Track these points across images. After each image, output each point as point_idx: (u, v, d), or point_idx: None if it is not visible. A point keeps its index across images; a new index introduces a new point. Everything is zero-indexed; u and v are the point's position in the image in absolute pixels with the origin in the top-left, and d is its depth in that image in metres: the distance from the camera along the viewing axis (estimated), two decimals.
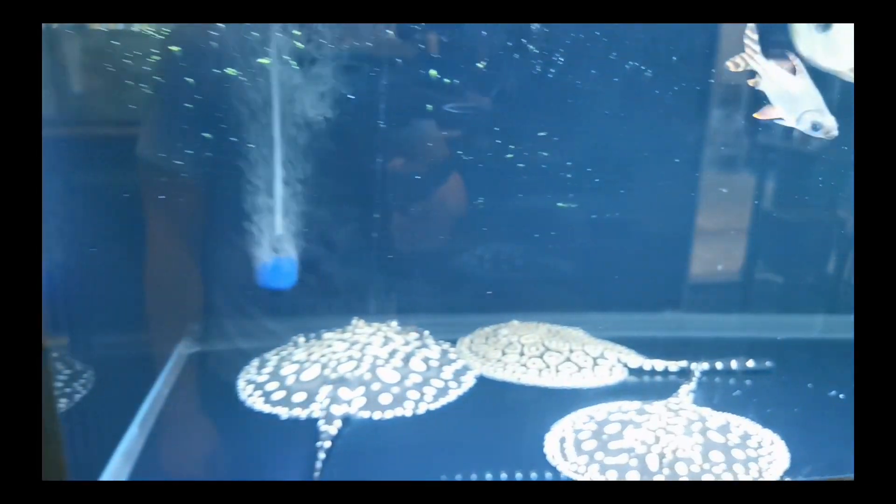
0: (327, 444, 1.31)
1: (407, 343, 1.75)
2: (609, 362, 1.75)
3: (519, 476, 1.25)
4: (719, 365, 1.75)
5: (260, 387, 1.58)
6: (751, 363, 1.76)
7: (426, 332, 1.93)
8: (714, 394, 1.62)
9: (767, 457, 1.28)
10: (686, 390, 1.56)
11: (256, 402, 1.52)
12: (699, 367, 1.70)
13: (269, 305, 1.98)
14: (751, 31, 1.29)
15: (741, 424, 1.40)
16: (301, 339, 1.87)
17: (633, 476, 1.20)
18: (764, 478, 1.20)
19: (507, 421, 1.50)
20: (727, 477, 1.20)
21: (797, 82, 1.30)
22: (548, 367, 1.72)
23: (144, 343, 1.72)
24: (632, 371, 1.75)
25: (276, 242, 1.66)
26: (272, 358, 1.74)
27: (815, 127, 1.27)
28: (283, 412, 1.48)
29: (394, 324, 1.86)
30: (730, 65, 1.35)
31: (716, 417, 1.40)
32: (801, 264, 2.22)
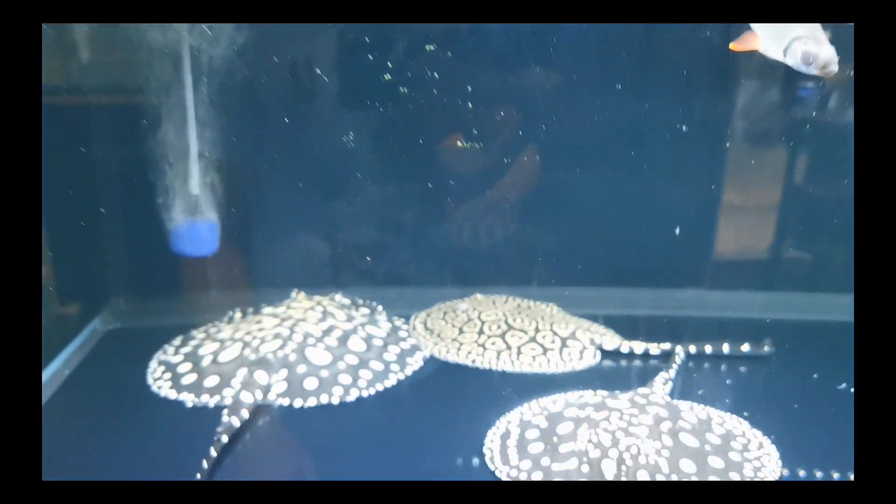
0: (224, 438, 1.10)
1: (349, 319, 1.54)
2: (580, 344, 1.52)
3: (444, 476, 1.04)
4: (709, 348, 1.51)
5: (171, 368, 1.38)
6: (746, 347, 1.51)
7: (378, 307, 1.72)
8: (699, 383, 1.39)
9: (753, 462, 1.05)
10: (662, 379, 1.32)
11: (163, 387, 1.32)
12: (681, 350, 1.47)
13: (209, 278, 1.80)
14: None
15: (725, 423, 1.17)
16: (238, 314, 1.67)
17: None
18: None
19: (447, 412, 1.27)
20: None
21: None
22: (508, 348, 1.50)
23: (54, 318, 1.52)
24: (608, 354, 1.52)
25: (192, 205, 1.45)
26: (198, 335, 1.54)
27: (807, 59, 1.01)
28: (190, 399, 1.27)
29: (338, 296, 1.65)
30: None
31: (693, 414, 1.16)
32: (830, 242, 1.94)
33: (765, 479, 1.00)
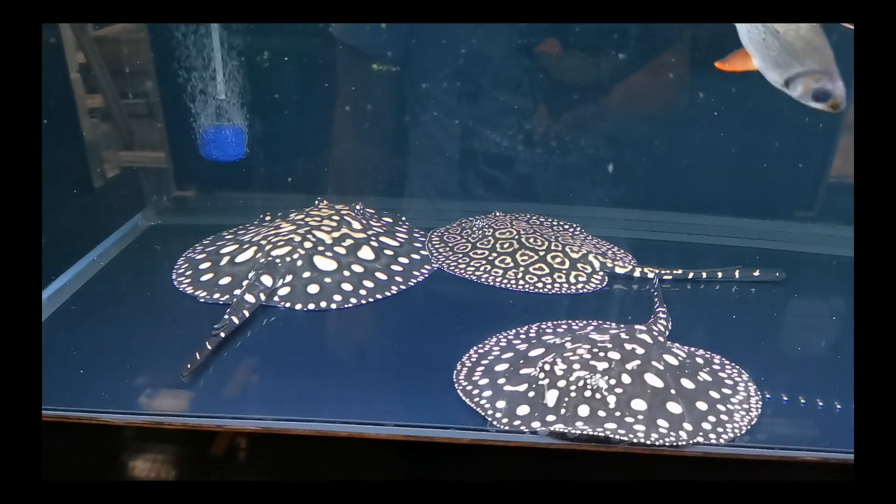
0: (222, 334, 1.18)
1: (366, 229, 1.59)
2: (590, 267, 1.51)
3: (407, 389, 1.08)
4: (720, 274, 1.46)
5: (193, 266, 1.48)
6: (757, 273, 1.46)
7: (402, 218, 1.75)
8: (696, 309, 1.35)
9: (721, 416, 0.98)
10: (662, 314, 1.28)
11: (182, 283, 1.43)
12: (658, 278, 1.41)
13: (247, 181, 1.88)
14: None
15: (721, 371, 1.11)
16: (268, 217, 1.75)
17: (523, 410, 0.98)
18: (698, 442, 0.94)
19: (440, 326, 1.30)
20: (636, 433, 0.93)
21: (800, 30, 0.91)
22: (516, 266, 1.51)
23: (101, 211, 1.66)
24: (618, 277, 1.50)
25: (219, 109, 1.50)
26: (227, 236, 1.64)
27: (820, 97, 0.89)
28: (203, 296, 1.38)
29: (359, 206, 1.69)
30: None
31: (679, 357, 1.10)
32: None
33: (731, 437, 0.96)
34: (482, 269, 1.49)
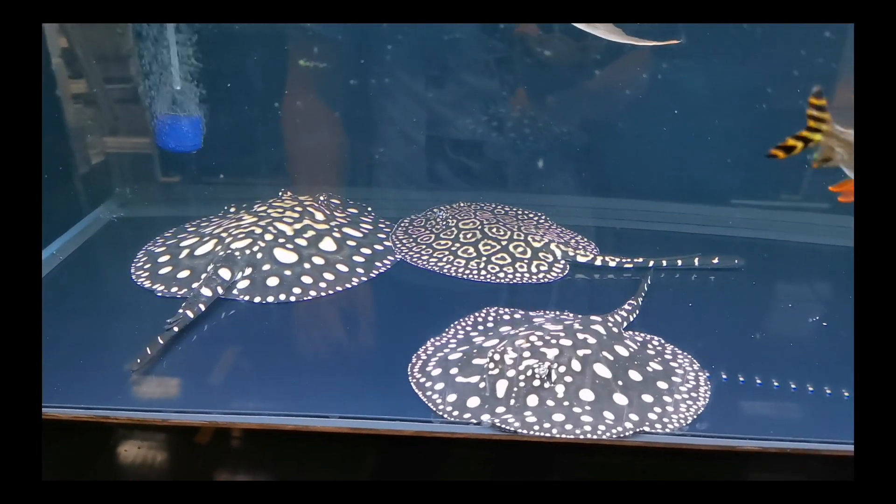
0: (175, 328, 1.17)
1: (328, 220, 1.58)
2: (551, 256, 1.51)
3: (362, 382, 1.09)
4: (679, 262, 1.47)
5: (153, 259, 1.47)
6: (716, 260, 1.47)
7: (368, 209, 1.75)
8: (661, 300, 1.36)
9: (667, 408, 0.99)
10: (629, 306, 1.28)
11: (140, 276, 1.42)
12: (648, 279, 1.40)
13: (211, 172, 1.86)
14: (816, 98, 0.89)
15: (672, 361, 1.11)
16: (232, 209, 1.74)
17: (473, 402, 0.98)
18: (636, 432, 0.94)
19: (400, 317, 1.31)
20: (584, 430, 0.93)
21: None
22: (479, 256, 1.51)
23: (61, 204, 1.64)
24: (580, 266, 1.50)
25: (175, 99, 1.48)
26: (189, 229, 1.63)
27: None
28: (161, 290, 1.37)
29: (323, 196, 1.68)
30: (779, 153, 0.90)
31: (629, 348, 1.11)
32: None
33: (643, 430, 0.95)
34: (445, 259, 1.49)
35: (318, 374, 1.12)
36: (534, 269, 1.46)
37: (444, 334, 1.20)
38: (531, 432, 0.93)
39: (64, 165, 1.66)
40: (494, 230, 1.56)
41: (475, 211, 1.67)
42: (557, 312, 1.28)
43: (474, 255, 1.50)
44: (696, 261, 1.47)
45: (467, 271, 1.45)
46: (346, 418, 0.95)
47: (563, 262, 1.49)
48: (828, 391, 1.07)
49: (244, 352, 1.19)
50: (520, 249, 1.51)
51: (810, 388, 1.08)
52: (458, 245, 1.53)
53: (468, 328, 1.21)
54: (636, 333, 1.21)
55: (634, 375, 1.05)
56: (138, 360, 1.09)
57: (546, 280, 1.44)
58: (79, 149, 1.69)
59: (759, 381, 1.09)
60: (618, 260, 1.48)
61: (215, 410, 0.99)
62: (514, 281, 1.43)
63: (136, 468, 1.06)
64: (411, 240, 1.58)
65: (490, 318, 1.25)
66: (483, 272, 1.45)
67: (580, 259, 1.50)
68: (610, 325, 1.18)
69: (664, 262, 1.46)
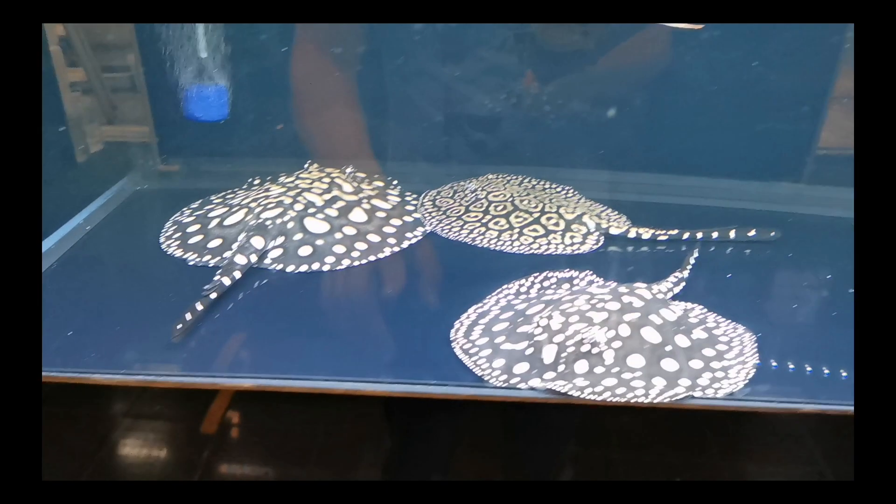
0: (213, 295, 1.17)
1: (356, 192, 1.57)
2: (584, 228, 1.50)
3: (403, 347, 1.08)
4: (716, 234, 1.45)
5: (182, 229, 1.46)
6: (753, 232, 1.46)
7: (393, 182, 1.74)
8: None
9: (716, 373, 0.98)
10: (674, 278, 1.26)
11: (171, 246, 1.40)
12: (696, 252, 1.39)
13: (237, 145, 1.85)
14: None
15: (717, 329, 1.09)
16: (256, 181, 1.72)
17: (521, 368, 0.97)
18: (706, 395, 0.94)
19: (431, 286, 1.30)
20: (636, 393, 0.92)
21: None
22: (510, 228, 1.49)
23: (85, 176, 1.62)
24: (613, 238, 1.49)
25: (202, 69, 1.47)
26: (215, 200, 1.61)
27: None
28: (193, 258, 1.36)
29: (349, 169, 1.66)
30: None
31: (677, 313, 1.09)
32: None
33: (701, 395, 0.94)
34: (476, 231, 1.48)
35: (360, 340, 1.11)
36: (567, 241, 1.45)
37: (485, 301, 1.19)
38: (582, 395, 0.92)
39: (84, 142, 1.64)
40: (525, 202, 1.55)
41: (504, 183, 1.66)
42: (600, 279, 1.27)
43: (506, 226, 1.48)
44: (732, 233, 1.46)
45: (500, 243, 1.44)
46: (397, 383, 0.94)
47: (596, 233, 1.48)
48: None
49: (283, 318, 1.18)
50: (552, 221, 1.49)
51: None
52: (489, 217, 1.52)
53: (510, 296, 1.20)
54: (677, 302, 1.20)
55: (682, 341, 1.04)
56: (178, 327, 1.08)
57: (580, 251, 1.43)
58: (101, 121, 1.67)
59: (803, 349, 1.08)
60: (652, 232, 1.46)
61: (265, 375, 0.97)
62: (549, 252, 1.42)
63: (182, 437, 1.05)
64: (440, 212, 1.56)
65: (533, 286, 1.24)
66: (516, 243, 1.44)
67: (613, 231, 1.48)
68: (654, 291, 1.17)
69: (699, 235, 1.45)
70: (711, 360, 1.02)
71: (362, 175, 1.68)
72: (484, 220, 1.51)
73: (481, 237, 1.46)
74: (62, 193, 1.54)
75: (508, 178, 1.71)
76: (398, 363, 1.03)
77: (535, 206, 1.53)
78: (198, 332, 1.11)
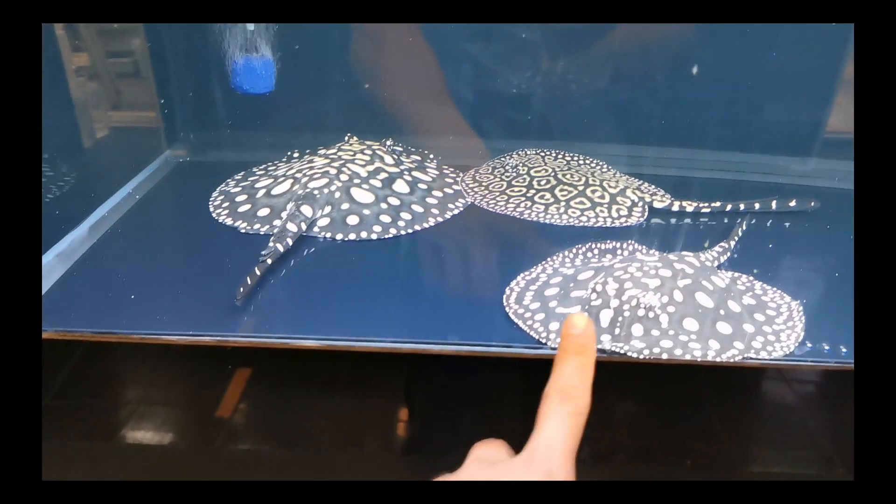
0: (269, 261, 1.20)
1: (397, 164, 1.59)
2: (629, 200, 1.51)
3: (458, 311, 1.10)
4: (758, 205, 1.47)
5: (230, 198, 1.49)
6: (793, 203, 1.47)
7: (430, 155, 1.76)
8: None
9: (768, 336, 1.01)
10: (720, 248, 1.28)
11: (221, 215, 1.43)
12: (743, 224, 1.40)
13: (280, 119, 1.86)
14: None
15: (764, 295, 1.12)
16: (296, 154, 1.75)
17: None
18: (752, 358, 0.96)
19: (479, 255, 1.32)
20: (692, 351, 0.94)
21: None
22: (557, 201, 1.50)
23: (127, 147, 1.65)
24: (656, 212, 1.50)
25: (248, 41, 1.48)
26: (257, 172, 1.64)
27: None
28: (244, 226, 1.39)
29: (389, 142, 1.69)
30: None
31: (726, 280, 1.12)
32: None
33: (760, 357, 0.97)
34: (522, 205, 1.49)
35: (414, 305, 1.13)
36: (614, 213, 1.46)
37: (533, 269, 1.21)
38: (642, 356, 0.95)
39: (132, 110, 1.67)
40: (568, 176, 1.56)
41: (543, 158, 1.67)
42: (646, 248, 1.29)
43: (552, 200, 1.49)
44: (774, 203, 1.48)
45: (548, 215, 1.45)
46: (462, 344, 0.97)
47: (641, 206, 1.49)
48: None
49: (336, 285, 1.20)
50: (598, 194, 1.51)
51: None
52: (533, 191, 1.53)
53: (556, 264, 1.23)
54: (724, 271, 1.22)
55: (734, 306, 1.07)
56: (241, 290, 1.11)
57: (627, 224, 1.44)
58: (145, 93, 1.69)
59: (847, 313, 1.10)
60: (695, 205, 1.48)
61: (327, 336, 1.01)
62: (598, 224, 1.43)
63: (245, 387, 1.09)
64: (482, 187, 1.58)
65: (577, 255, 1.26)
66: (564, 216, 1.44)
67: (657, 205, 1.50)
68: (702, 259, 1.19)
69: (742, 206, 1.46)
70: (763, 325, 1.04)
71: (400, 149, 1.71)
72: (529, 195, 1.52)
73: (528, 210, 1.47)
74: (108, 161, 1.57)
75: (544, 152, 1.72)
76: (451, 328, 1.06)
77: (579, 180, 1.55)
78: (256, 298, 1.14)
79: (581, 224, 1.43)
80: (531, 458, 0.72)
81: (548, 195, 1.51)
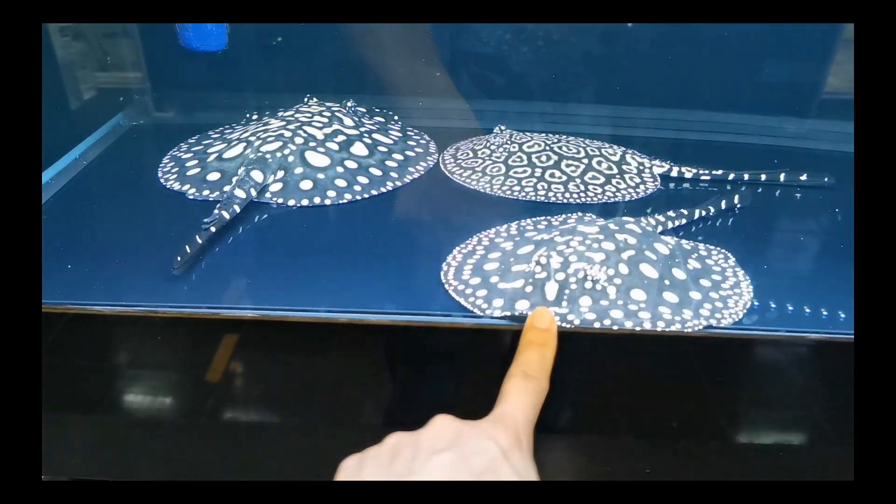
0: (212, 229, 1.17)
1: (358, 126, 1.54)
2: (633, 168, 1.45)
3: (401, 282, 1.08)
4: (764, 176, 1.43)
5: (180, 163, 1.45)
6: (804, 177, 1.43)
7: (395, 117, 1.71)
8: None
9: (716, 303, 1.00)
10: (677, 213, 1.25)
11: (169, 180, 1.40)
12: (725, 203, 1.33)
13: (236, 79, 1.81)
14: None
15: (708, 258, 1.12)
16: (255, 116, 1.70)
17: (523, 305, 0.98)
18: (688, 330, 0.95)
19: (435, 223, 1.29)
20: (641, 322, 0.94)
21: None
22: (570, 179, 1.40)
23: (76, 111, 1.60)
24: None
25: None
26: (213, 135, 1.60)
27: None
28: (192, 191, 1.35)
29: (350, 103, 1.64)
30: None
31: (669, 246, 1.10)
32: None
33: (704, 325, 0.96)
34: (535, 186, 1.39)
35: (360, 275, 1.12)
36: (629, 182, 1.41)
37: (468, 242, 1.18)
38: (591, 327, 0.93)
39: (80, 73, 1.61)
40: (565, 148, 1.50)
41: (514, 136, 1.56)
42: (580, 214, 1.26)
43: (565, 178, 1.42)
44: (782, 176, 1.44)
45: (567, 194, 1.37)
46: (403, 314, 0.95)
47: (649, 171, 1.45)
48: None
49: (282, 252, 1.21)
50: (605, 165, 1.46)
51: None
52: (539, 170, 1.44)
53: (491, 236, 1.19)
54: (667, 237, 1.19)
55: (678, 273, 1.04)
56: (179, 259, 1.09)
57: (647, 193, 1.39)
58: (94, 56, 1.64)
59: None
60: (694, 171, 1.46)
61: (265, 307, 0.98)
62: (614, 199, 1.36)
63: (183, 365, 1.06)
64: (476, 173, 1.47)
65: (513, 227, 1.22)
66: (584, 195, 1.37)
67: (656, 170, 1.47)
68: (643, 224, 1.17)
69: (746, 176, 1.44)
70: (709, 291, 1.02)
71: (363, 110, 1.66)
72: (536, 174, 1.43)
73: (545, 192, 1.38)
74: (56, 124, 1.52)
75: (513, 133, 1.61)
76: (398, 298, 1.03)
77: (577, 152, 1.49)
78: (198, 266, 1.12)
79: (605, 201, 1.35)
80: (498, 420, 0.79)
81: (557, 172, 1.44)
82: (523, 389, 0.82)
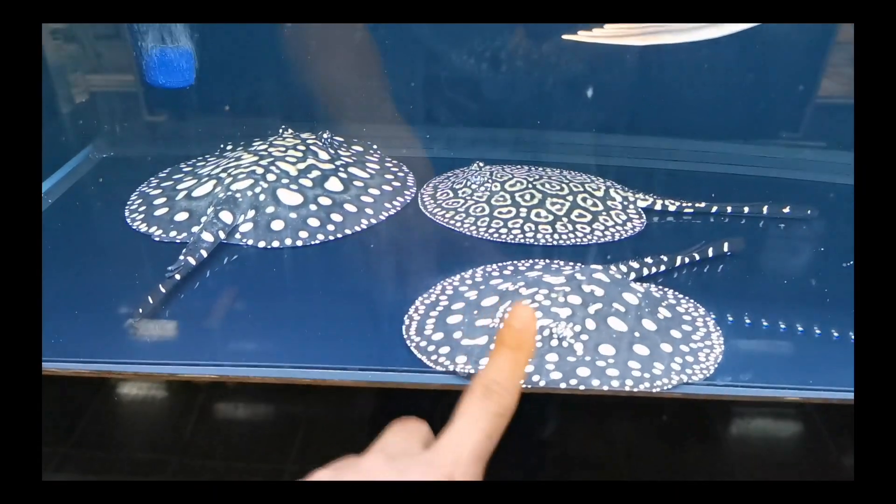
0: (177, 276, 1.16)
1: (334, 159, 1.52)
2: (618, 204, 1.43)
3: (369, 336, 1.06)
4: (747, 209, 1.42)
5: (148, 201, 1.43)
6: (787, 209, 1.42)
7: (373, 147, 1.69)
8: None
9: (686, 357, 0.98)
10: (650, 260, 1.22)
11: (136, 220, 1.38)
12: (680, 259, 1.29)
13: (206, 109, 1.78)
14: None
15: (678, 307, 1.10)
16: (229, 147, 1.68)
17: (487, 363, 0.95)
18: (656, 389, 0.93)
19: (410, 262, 1.27)
20: (610, 380, 0.92)
21: None
22: (557, 218, 1.38)
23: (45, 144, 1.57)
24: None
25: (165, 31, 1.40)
26: (185, 168, 1.57)
27: None
28: (158, 233, 1.33)
29: (326, 134, 1.61)
30: None
31: (638, 296, 1.08)
32: None
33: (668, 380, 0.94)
34: (520, 227, 1.36)
35: (328, 325, 1.10)
36: (615, 219, 1.40)
37: (431, 291, 1.17)
38: (558, 386, 0.90)
39: (48, 104, 1.58)
40: (547, 186, 1.48)
41: (502, 169, 1.55)
42: (547, 262, 1.25)
43: (551, 217, 1.39)
44: (765, 209, 1.44)
45: (556, 236, 1.35)
46: (365, 370, 0.92)
47: (633, 208, 1.45)
48: None
49: (248, 300, 1.20)
50: (589, 202, 1.45)
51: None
52: (524, 210, 1.41)
53: (455, 284, 1.17)
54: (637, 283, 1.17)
55: (648, 325, 1.03)
56: (140, 311, 1.07)
57: (634, 231, 1.37)
58: (62, 87, 1.61)
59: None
60: (678, 204, 1.45)
61: (220, 362, 0.99)
62: (604, 240, 1.34)
63: (135, 423, 1.03)
64: (459, 214, 1.43)
65: (478, 274, 1.20)
66: (571, 234, 1.34)
67: (640, 203, 1.46)
68: (612, 272, 1.16)
69: (729, 209, 1.44)
70: (679, 343, 1.00)
71: (340, 140, 1.64)
72: (522, 214, 1.41)
73: (532, 233, 1.35)
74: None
75: (490, 168, 1.58)
76: (364, 353, 1.01)
77: (561, 189, 1.48)
78: (161, 316, 1.11)
79: (595, 241, 1.33)
80: (434, 457, 0.66)
81: (542, 212, 1.42)
82: (477, 412, 0.68)
